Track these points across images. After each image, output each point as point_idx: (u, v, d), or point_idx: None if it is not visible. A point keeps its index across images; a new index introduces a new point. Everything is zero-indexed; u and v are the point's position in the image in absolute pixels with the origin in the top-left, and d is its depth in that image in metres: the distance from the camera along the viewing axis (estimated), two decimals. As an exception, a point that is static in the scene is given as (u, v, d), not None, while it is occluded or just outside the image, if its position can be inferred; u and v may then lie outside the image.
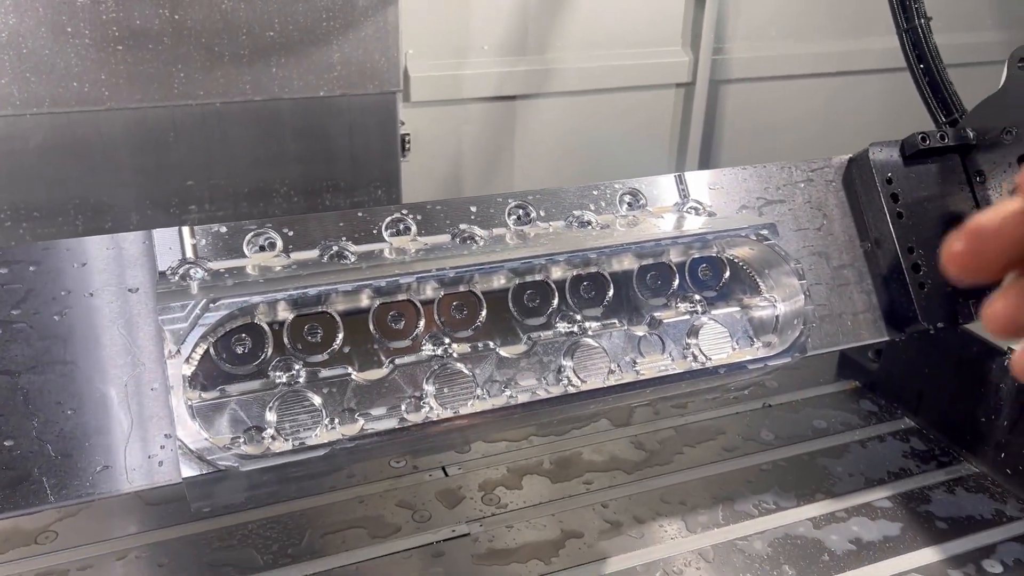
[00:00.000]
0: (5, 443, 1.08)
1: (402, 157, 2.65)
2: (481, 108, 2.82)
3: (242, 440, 1.00)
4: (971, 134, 1.58)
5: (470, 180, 2.89)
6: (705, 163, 3.19)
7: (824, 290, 1.51)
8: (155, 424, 1.12)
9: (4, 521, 1.55)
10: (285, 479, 1.07)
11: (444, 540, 1.54)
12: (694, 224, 1.28)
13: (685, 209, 1.37)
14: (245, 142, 2.25)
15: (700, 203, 1.39)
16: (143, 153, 2.17)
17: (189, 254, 1.14)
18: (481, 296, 1.14)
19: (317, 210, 2.38)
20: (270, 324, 1.06)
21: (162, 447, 1.11)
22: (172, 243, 1.16)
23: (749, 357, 1.21)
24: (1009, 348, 1.68)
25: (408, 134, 2.72)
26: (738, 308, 1.27)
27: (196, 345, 1.01)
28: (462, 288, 1.14)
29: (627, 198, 1.36)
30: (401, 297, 1.11)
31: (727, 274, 1.27)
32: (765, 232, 1.22)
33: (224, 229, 1.18)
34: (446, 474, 1.71)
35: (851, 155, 1.60)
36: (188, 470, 0.94)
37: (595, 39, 2.87)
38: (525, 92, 2.85)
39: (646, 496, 1.66)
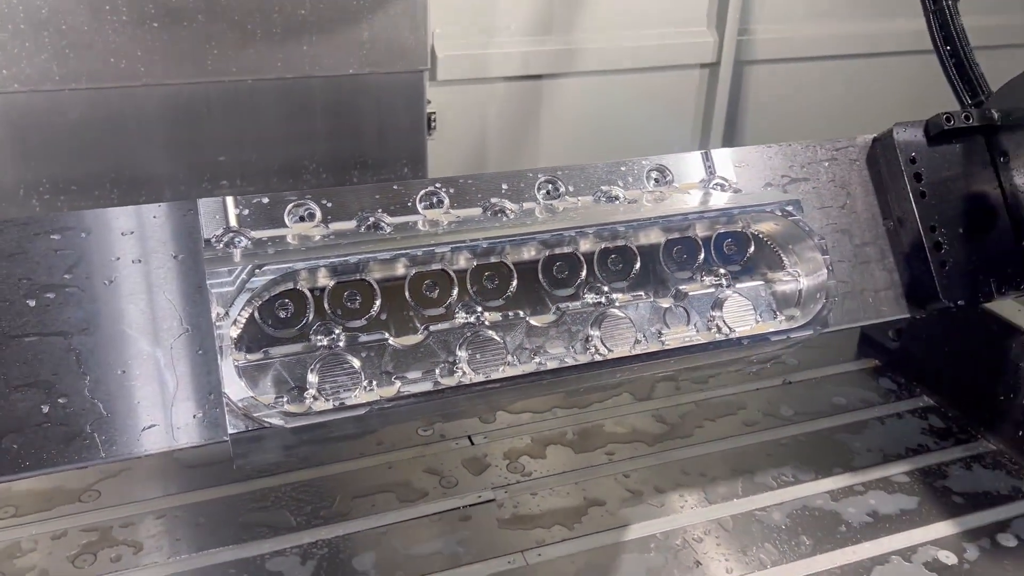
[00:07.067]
0: (59, 400, 1.14)
1: (428, 135, 2.69)
2: (507, 87, 2.85)
3: (285, 400, 1.05)
4: (995, 115, 1.59)
5: (495, 158, 2.92)
6: (729, 143, 3.19)
7: (847, 267, 1.53)
8: (200, 385, 1.16)
9: (50, 480, 1.61)
10: (323, 439, 1.12)
11: (470, 505, 1.59)
12: (720, 200, 1.32)
13: (711, 186, 1.40)
14: (276, 119, 2.29)
15: (726, 180, 1.42)
16: (177, 128, 2.22)
17: (233, 223, 1.19)
18: (512, 267, 1.18)
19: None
20: (311, 290, 1.11)
21: (206, 407, 1.16)
22: (216, 212, 1.20)
23: (772, 329, 1.24)
24: (1029, 327, 1.70)
25: (434, 112, 2.75)
26: (762, 282, 1.30)
27: (242, 309, 1.06)
28: (494, 259, 1.18)
29: (654, 174, 1.39)
30: (435, 267, 1.15)
31: (751, 249, 1.30)
32: (790, 208, 1.26)
33: (266, 200, 1.22)
34: (472, 443, 1.76)
35: (876, 135, 1.61)
36: (234, 427, 0.99)
37: (620, 19, 2.88)
38: (550, 71, 2.88)
39: (667, 467, 1.70)
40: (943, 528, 1.57)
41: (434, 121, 2.78)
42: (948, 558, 1.50)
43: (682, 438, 1.79)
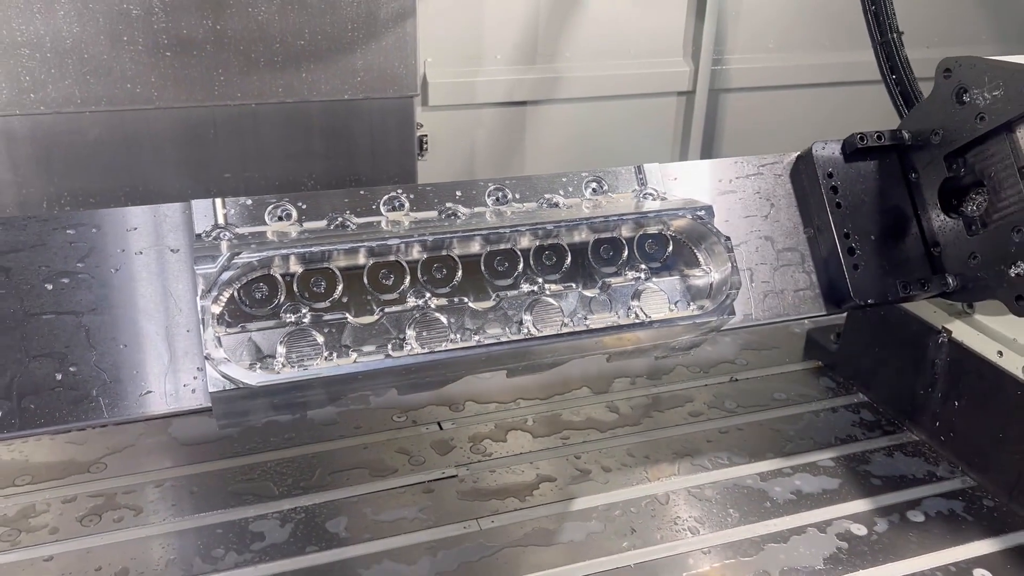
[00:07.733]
0: (70, 369, 1.34)
1: (419, 156, 2.90)
2: (493, 112, 3.07)
3: (258, 365, 1.25)
4: (906, 136, 1.78)
5: (483, 179, 3.12)
6: (706, 167, 3.39)
7: (768, 270, 1.72)
8: (189, 359, 1.37)
9: (63, 453, 1.82)
10: (292, 403, 1.32)
11: (434, 480, 1.78)
12: (644, 206, 1.51)
13: (642, 195, 1.60)
14: (277, 140, 2.50)
15: (656, 190, 1.62)
16: (186, 148, 2.44)
17: (221, 221, 1.40)
18: (458, 259, 1.38)
19: (340, 202, 2.63)
20: (283, 276, 1.31)
21: (194, 377, 1.36)
22: (207, 212, 1.41)
23: (682, 315, 1.43)
24: (943, 327, 1.87)
25: (425, 135, 2.96)
26: (678, 277, 1.50)
27: (223, 288, 1.26)
28: (443, 252, 1.38)
29: (592, 184, 1.59)
30: (391, 258, 1.35)
31: (670, 248, 1.50)
32: (701, 213, 1.45)
33: (250, 202, 1.43)
34: (441, 428, 1.95)
35: (799, 152, 1.81)
36: (214, 386, 1.19)
37: (601, 49, 3.10)
38: (535, 98, 3.09)
39: (615, 450, 1.88)
40: (859, 505, 1.74)
41: (426, 143, 3.00)
42: (859, 530, 1.67)
43: (631, 426, 1.97)
